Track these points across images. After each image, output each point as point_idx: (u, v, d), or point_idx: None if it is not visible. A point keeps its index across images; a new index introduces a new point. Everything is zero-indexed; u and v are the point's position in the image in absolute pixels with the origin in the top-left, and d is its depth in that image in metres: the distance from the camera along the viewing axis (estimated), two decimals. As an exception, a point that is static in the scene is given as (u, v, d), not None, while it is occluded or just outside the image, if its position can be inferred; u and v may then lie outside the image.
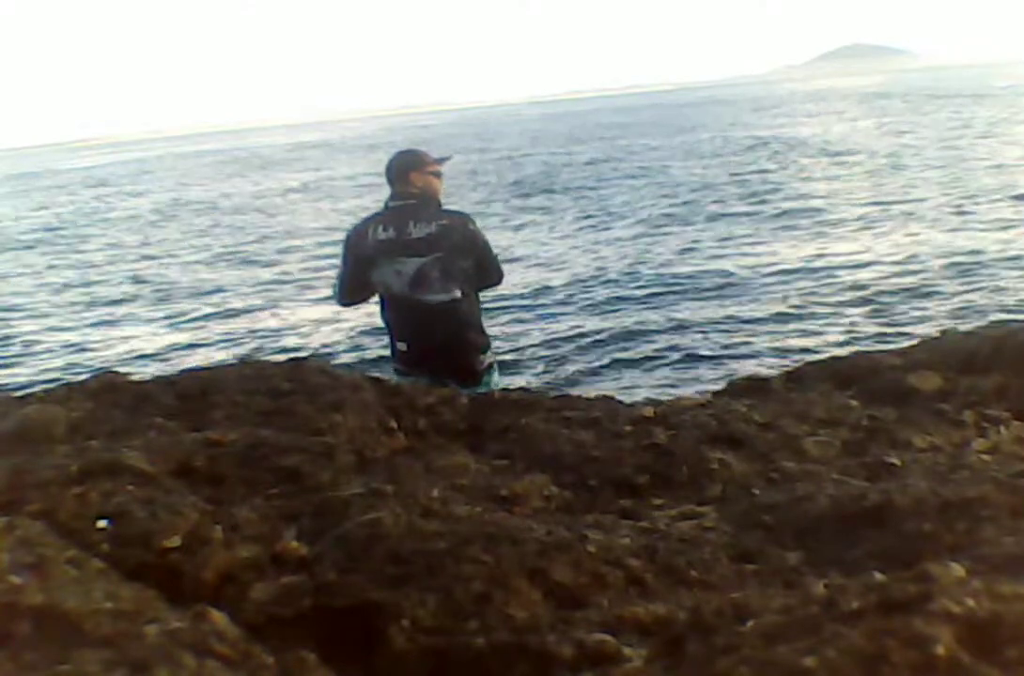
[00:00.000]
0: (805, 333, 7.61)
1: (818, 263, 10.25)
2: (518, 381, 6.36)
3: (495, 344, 3.94)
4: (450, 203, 3.86)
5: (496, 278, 3.67)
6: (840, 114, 39.54)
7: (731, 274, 10.10)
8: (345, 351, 8.28)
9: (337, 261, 3.80)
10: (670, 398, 2.70)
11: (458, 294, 3.46)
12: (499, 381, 3.66)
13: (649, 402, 2.54)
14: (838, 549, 1.45)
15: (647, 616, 1.21)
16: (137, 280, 13.33)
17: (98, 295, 12.49)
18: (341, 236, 3.78)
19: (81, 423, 1.99)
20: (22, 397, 2.33)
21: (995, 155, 19.20)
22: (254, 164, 45.27)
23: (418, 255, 3.41)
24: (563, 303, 9.60)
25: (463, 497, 1.67)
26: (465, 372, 3.47)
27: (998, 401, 2.26)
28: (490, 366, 3.61)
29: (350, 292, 3.63)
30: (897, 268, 9.66)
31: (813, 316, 8.10)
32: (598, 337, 8.05)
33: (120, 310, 11.27)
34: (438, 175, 3.63)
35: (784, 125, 36.18)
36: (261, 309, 10.62)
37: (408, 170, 3.57)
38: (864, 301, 8.47)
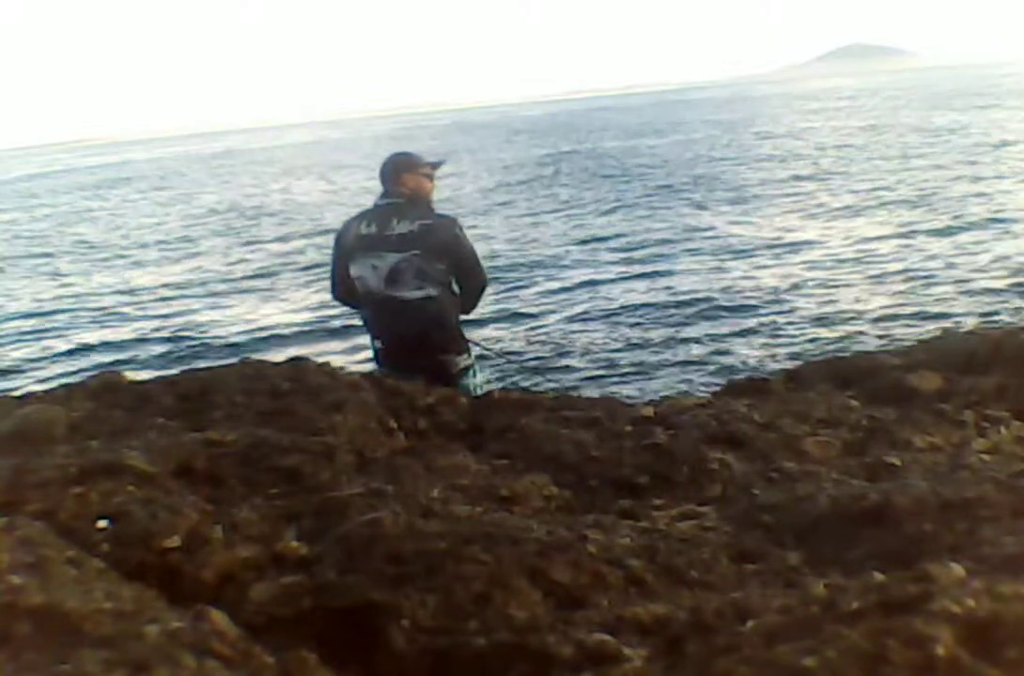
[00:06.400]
0: (805, 333, 7.61)
1: (816, 263, 10.26)
2: (517, 382, 6.35)
3: (497, 345, 3.92)
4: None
5: (477, 284, 3.67)
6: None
7: (729, 274, 10.11)
8: (343, 351, 8.28)
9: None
10: (670, 398, 2.70)
11: (432, 292, 3.48)
12: (481, 384, 3.62)
13: (649, 402, 2.54)
14: (838, 549, 1.45)
15: (647, 616, 1.21)
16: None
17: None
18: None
19: (81, 423, 2.00)
20: (22, 397, 2.34)
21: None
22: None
23: (395, 250, 3.45)
24: (563, 303, 9.60)
25: (463, 497, 1.67)
26: (438, 372, 3.46)
27: (998, 401, 2.26)
28: (466, 369, 3.60)
29: (340, 286, 3.69)
30: (896, 268, 9.67)
31: (813, 316, 8.11)
32: (598, 337, 8.05)
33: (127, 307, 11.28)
34: (430, 178, 3.69)
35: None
36: (258, 308, 10.62)
37: (401, 171, 3.63)
38: (864, 300, 8.48)
